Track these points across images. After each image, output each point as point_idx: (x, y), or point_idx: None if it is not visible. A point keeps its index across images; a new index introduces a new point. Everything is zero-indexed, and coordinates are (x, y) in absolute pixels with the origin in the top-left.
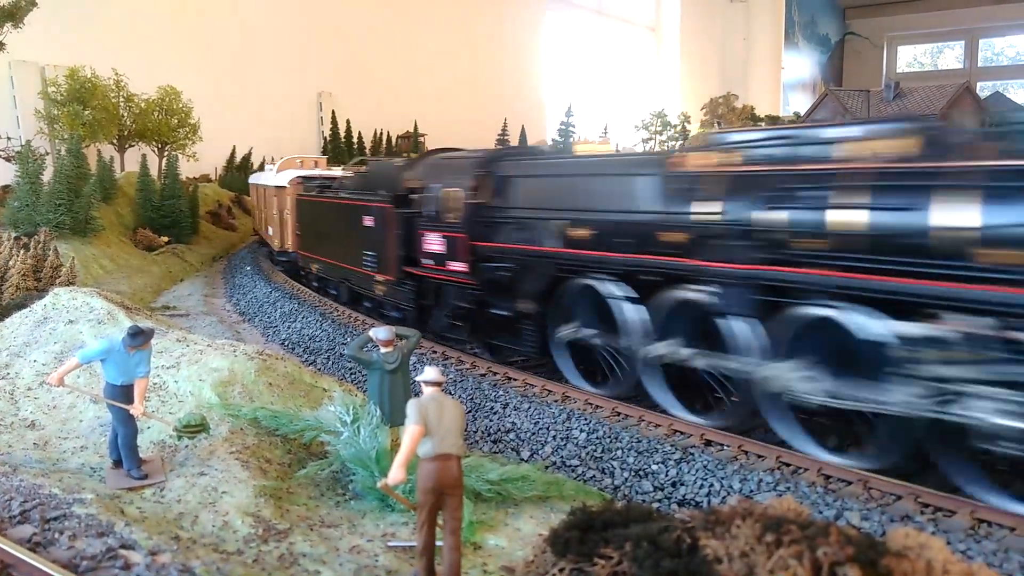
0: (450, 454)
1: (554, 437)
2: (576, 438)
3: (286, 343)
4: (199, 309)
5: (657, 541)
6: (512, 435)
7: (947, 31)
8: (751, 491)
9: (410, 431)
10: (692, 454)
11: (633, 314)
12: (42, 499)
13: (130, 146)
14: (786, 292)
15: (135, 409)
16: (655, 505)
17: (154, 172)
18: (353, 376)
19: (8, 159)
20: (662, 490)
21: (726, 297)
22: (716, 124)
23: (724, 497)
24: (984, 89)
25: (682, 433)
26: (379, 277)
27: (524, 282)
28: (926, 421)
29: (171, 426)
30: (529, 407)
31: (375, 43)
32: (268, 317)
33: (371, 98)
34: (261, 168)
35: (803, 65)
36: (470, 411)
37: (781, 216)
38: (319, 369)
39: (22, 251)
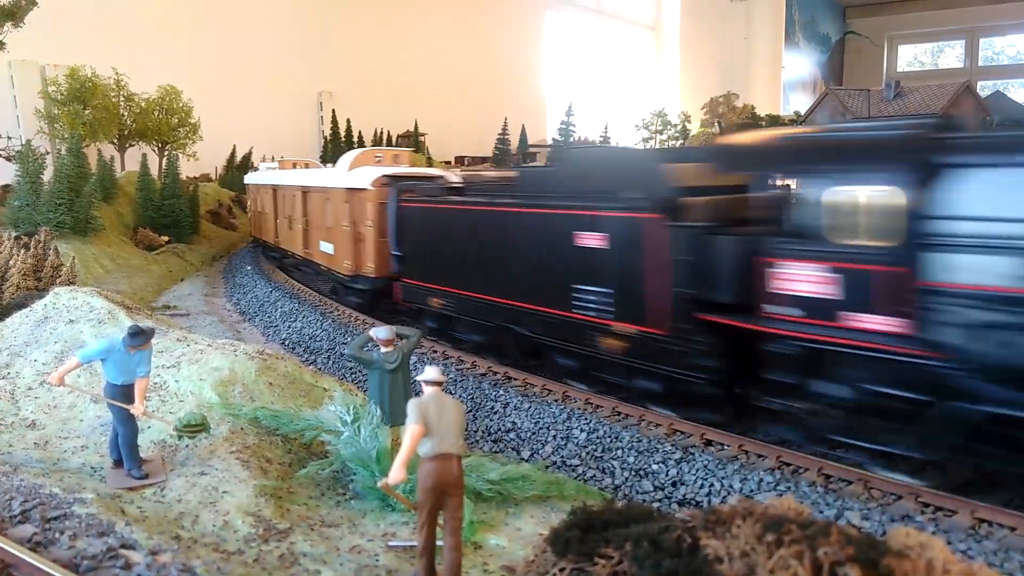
0: (450, 454)
1: (554, 437)
2: (576, 438)
3: (286, 342)
4: (199, 308)
5: (657, 541)
6: (512, 435)
7: (947, 30)
8: (751, 491)
9: (410, 431)
10: (692, 454)
11: None
12: (43, 499)
13: (130, 145)
14: None
15: (135, 409)
16: (655, 505)
17: (154, 171)
18: (354, 376)
19: (8, 159)
20: (662, 490)
21: None
22: (716, 124)
23: (725, 497)
24: (984, 88)
25: (682, 433)
26: (618, 327)
27: None
28: None
29: (171, 426)
30: (529, 406)
31: (375, 43)
32: (268, 317)
33: (371, 98)
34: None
35: (803, 64)
36: (470, 411)
37: None
38: (319, 369)
39: (22, 251)
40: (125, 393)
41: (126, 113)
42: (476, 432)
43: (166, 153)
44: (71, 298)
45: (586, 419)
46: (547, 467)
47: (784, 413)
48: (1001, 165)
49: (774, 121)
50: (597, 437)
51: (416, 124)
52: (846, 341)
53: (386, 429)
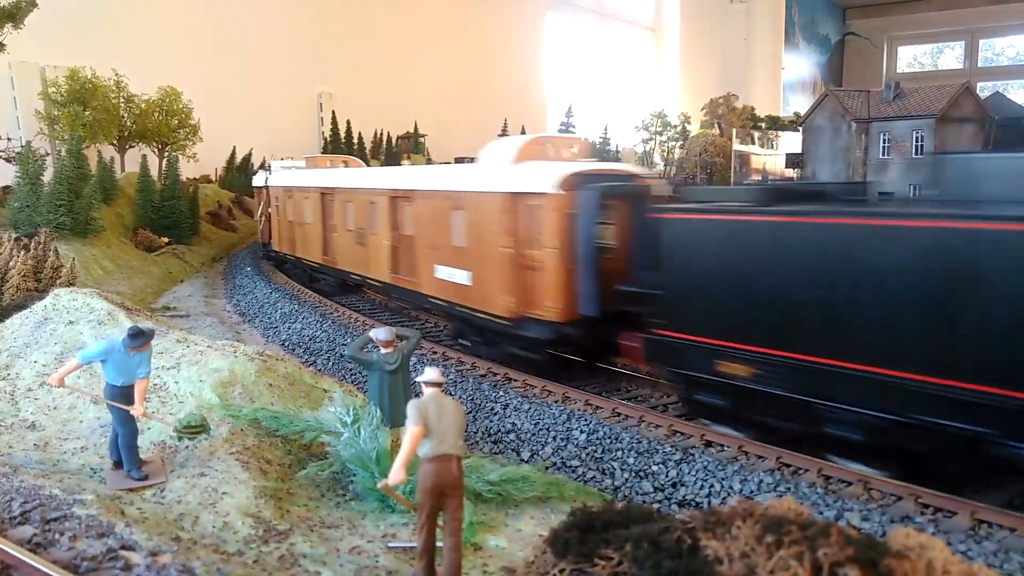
0: (450, 455)
1: (554, 438)
2: (576, 439)
3: (286, 344)
4: (199, 310)
5: (657, 542)
6: (512, 436)
7: (947, 31)
8: (751, 492)
9: (410, 432)
10: (692, 455)
11: None
12: (42, 500)
13: (130, 147)
14: None
15: (135, 410)
16: (655, 506)
17: (154, 173)
18: (353, 377)
19: (8, 160)
20: (662, 491)
21: None
22: (716, 125)
23: (724, 498)
24: (984, 89)
25: (682, 434)
26: None
27: None
28: None
29: (171, 427)
30: (529, 408)
31: (375, 43)
32: (268, 318)
33: (371, 98)
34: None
35: (803, 65)
36: (470, 412)
37: None
38: (319, 370)
39: (22, 252)
40: (125, 394)
41: (126, 114)
42: (476, 433)
43: (166, 154)
44: (71, 299)
45: (586, 420)
46: (547, 468)
47: None
48: None
49: (774, 122)
50: (597, 438)
51: (416, 125)
52: None
53: (386, 430)
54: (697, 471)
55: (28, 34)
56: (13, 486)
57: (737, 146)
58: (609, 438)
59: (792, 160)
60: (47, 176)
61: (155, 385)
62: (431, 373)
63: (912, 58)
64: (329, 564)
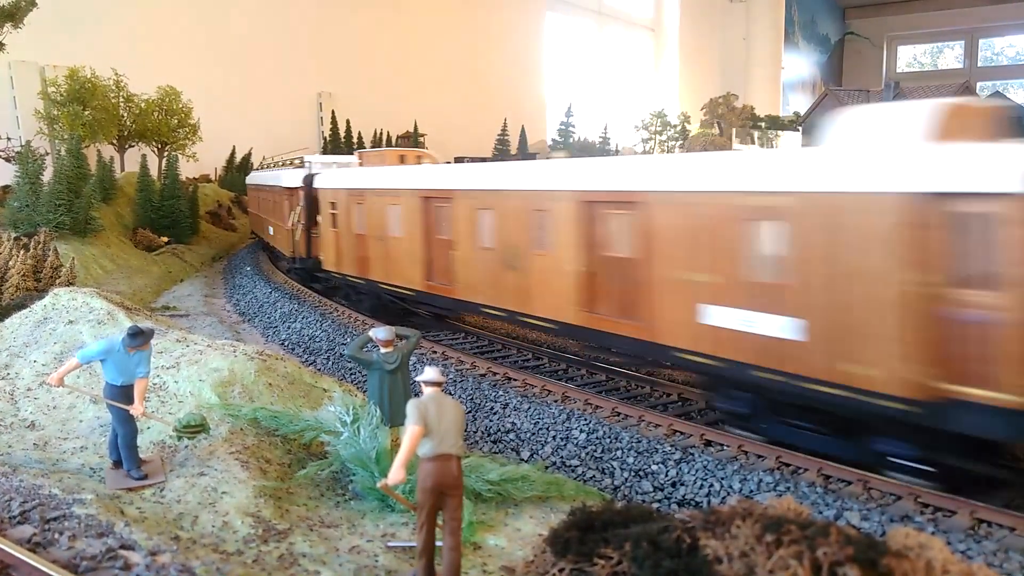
0: (450, 454)
1: (554, 437)
2: (576, 438)
3: (286, 343)
4: (199, 309)
5: (657, 541)
6: (512, 435)
7: (947, 31)
8: (751, 491)
9: (410, 431)
10: (692, 454)
11: None
12: (42, 499)
13: (130, 146)
14: None
15: (135, 409)
16: (655, 505)
17: (154, 172)
18: (353, 376)
19: (8, 159)
20: (662, 490)
21: None
22: (716, 124)
23: (724, 497)
24: (984, 89)
25: (682, 433)
26: None
27: None
28: None
29: (171, 426)
30: (529, 407)
31: (375, 43)
32: (268, 317)
33: (371, 98)
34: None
35: (803, 65)
36: (470, 411)
37: None
38: (319, 369)
39: (22, 251)
40: (124, 394)
41: (126, 114)
42: (476, 433)
43: (166, 154)
44: (70, 299)
45: (586, 420)
46: (547, 468)
47: None
48: None
49: (774, 122)
50: (597, 437)
51: (416, 124)
52: None
53: (385, 430)
54: (697, 470)
55: (28, 34)
56: (12, 485)
57: (737, 146)
58: (609, 437)
59: None
60: (47, 176)
61: (155, 384)
62: (431, 372)
63: (912, 58)
64: (328, 563)
